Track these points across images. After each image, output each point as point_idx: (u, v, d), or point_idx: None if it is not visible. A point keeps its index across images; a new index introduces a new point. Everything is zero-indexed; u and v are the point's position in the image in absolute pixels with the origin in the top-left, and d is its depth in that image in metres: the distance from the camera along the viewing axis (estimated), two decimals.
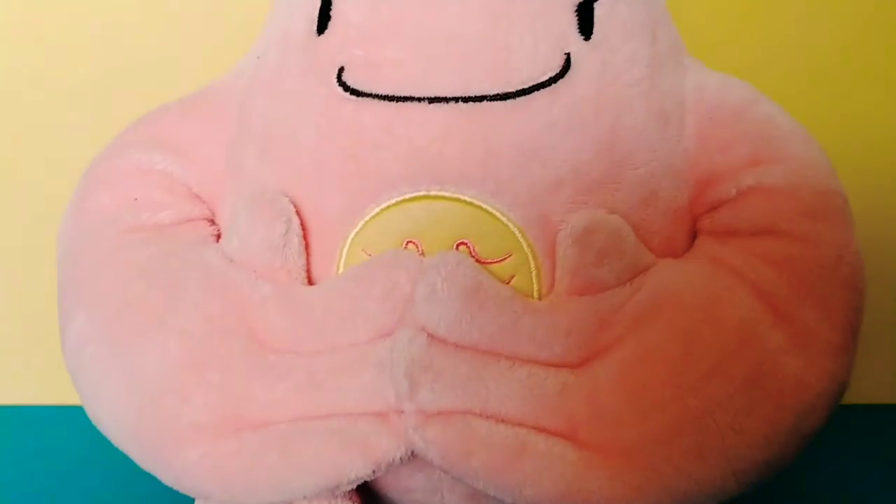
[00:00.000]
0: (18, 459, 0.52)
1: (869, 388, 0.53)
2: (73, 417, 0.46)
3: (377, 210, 0.33)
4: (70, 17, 0.53)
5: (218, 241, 0.37)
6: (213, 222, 0.38)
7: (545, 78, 0.32)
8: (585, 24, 0.33)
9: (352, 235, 0.34)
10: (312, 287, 0.34)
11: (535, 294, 0.33)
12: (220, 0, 0.53)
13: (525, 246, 0.33)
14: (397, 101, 0.32)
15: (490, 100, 0.32)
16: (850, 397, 0.38)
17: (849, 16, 0.53)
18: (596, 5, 0.33)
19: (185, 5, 0.53)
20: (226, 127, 0.37)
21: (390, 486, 0.35)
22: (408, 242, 0.33)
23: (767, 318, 0.31)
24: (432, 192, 0.32)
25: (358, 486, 0.33)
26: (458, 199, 0.32)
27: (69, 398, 0.44)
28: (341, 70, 0.33)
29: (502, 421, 0.30)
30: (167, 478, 0.33)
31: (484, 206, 0.32)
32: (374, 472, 0.30)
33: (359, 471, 0.30)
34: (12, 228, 0.56)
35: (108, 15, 0.53)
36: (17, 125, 0.55)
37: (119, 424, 0.33)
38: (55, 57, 0.54)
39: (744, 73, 0.38)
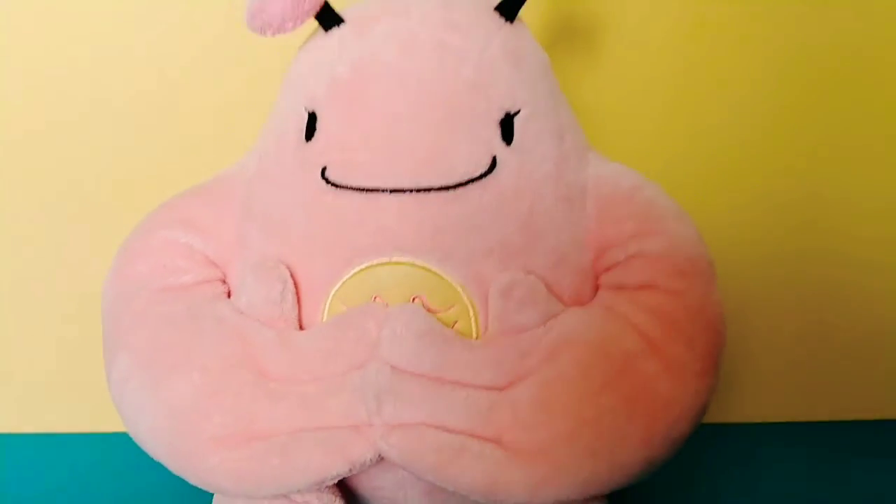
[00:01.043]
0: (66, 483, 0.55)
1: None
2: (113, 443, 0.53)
3: (352, 273, 0.40)
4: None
5: (229, 297, 0.43)
6: (224, 282, 0.44)
7: (477, 174, 0.39)
8: (507, 134, 0.40)
9: (333, 292, 0.40)
10: (303, 332, 0.41)
11: (473, 335, 0.40)
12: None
13: (465, 299, 0.40)
14: (367, 192, 0.39)
15: (436, 190, 0.39)
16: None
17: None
18: (515, 119, 0.40)
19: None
20: (234, 208, 0.44)
21: (364, 486, 0.41)
22: (375, 297, 0.40)
23: (646, 351, 0.39)
24: (394, 259, 0.39)
25: (339, 486, 0.40)
26: (414, 264, 0.39)
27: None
28: (324, 168, 0.40)
29: (447, 430, 0.37)
30: (193, 479, 0.39)
31: (433, 269, 0.39)
32: (350, 470, 0.37)
33: (339, 469, 0.37)
34: (67, 300, 0.61)
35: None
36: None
37: (155, 440, 0.40)
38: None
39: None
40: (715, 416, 0.56)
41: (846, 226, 0.60)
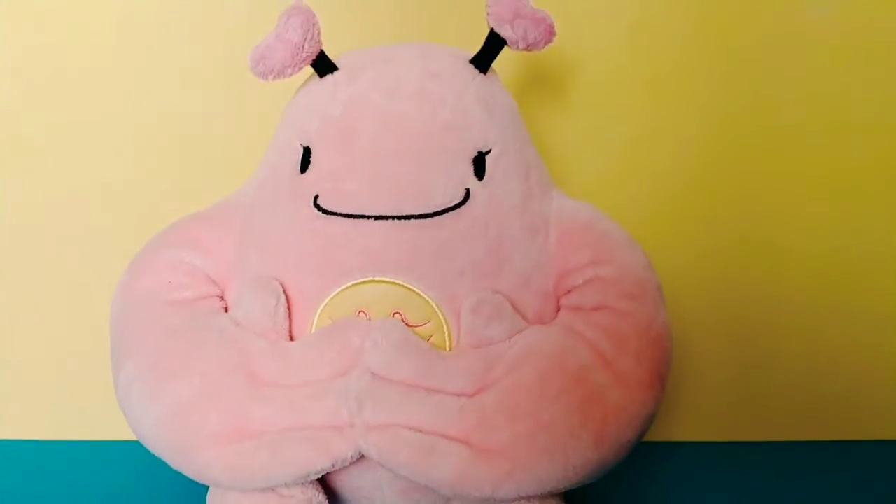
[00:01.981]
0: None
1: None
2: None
3: (339, 290, 0.43)
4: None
5: (226, 312, 0.47)
6: (222, 298, 0.48)
7: (452, 204, 0.43)
8: (479, 170, 0.44)
9: (321, 307, 0.44)
10: (293, 342, 0.44)
11: (447, 347, 0.43)
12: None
13: (440, 315, 0.43)
14: (354, 218, 0.43)
15: (416, 218, 0.42)
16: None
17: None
18: (486, 157, 0.44)
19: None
20: (233, 232, 0.48)
21: (345, 485, 0.44)
22: (359, 312, 0.43)
23: (598, 364, 0.42)
24: (377, 278, 0.43)
25: (322, 484, 0.44)
26: (394, 283, 0.43)
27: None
28: (316, 197, 0.44)
29: (420, 431, 0.40)
30: (191, 473, 0.42)
31: (412, 287, 0.43)
32: (333, 465, 0.41)
33: (323, 464, 0.40)
34: (76, 311, 0.64)
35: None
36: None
37: (157, 438, 0.43)
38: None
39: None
40: (664, 434, 0.62)
41: (794, 250, 0.64)
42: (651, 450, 0.62)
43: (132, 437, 0.46)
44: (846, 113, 0.62)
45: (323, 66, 0.46)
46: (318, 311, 0.44)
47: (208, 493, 0.46)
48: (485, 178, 0.45)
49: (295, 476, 0.41)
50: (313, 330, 0.44)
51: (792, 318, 0.64)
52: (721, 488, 0.57)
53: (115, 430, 0.57)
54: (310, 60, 0.45)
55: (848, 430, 0.65)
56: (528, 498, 0.42)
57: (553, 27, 0.46)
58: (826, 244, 0.64)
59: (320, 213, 0.44)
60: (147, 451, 0.45)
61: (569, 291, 0.46)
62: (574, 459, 0.41)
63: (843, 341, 0.64)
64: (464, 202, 0.44)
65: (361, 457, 0.41)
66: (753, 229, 0.64)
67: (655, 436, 0.62)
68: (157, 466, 0.45)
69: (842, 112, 0.62)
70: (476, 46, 0.47)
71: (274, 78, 0.44)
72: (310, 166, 0.45)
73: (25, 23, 0.61)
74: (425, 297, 0.43)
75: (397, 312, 0.43)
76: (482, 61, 0.46)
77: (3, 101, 0.62)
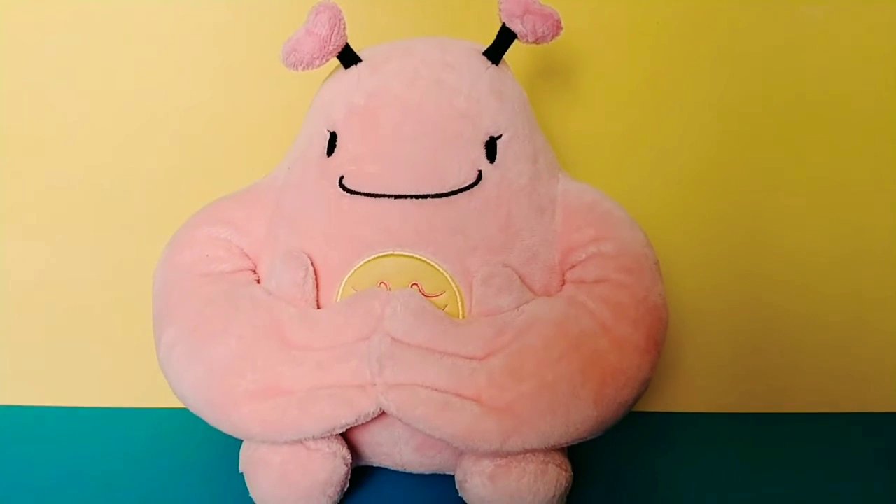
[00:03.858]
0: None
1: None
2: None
3: (362, 263, 0.47)
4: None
5: (258, 283, 0.50)
6: (255, 272, 0.51)
7: (466, 185, 0.46)
8: (491, 154, 0.47)
9: (346, 278, 0.47)
10: (321, 310, 0.47)
11: (460, 315, 0.46)
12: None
13: (454, 286, 0.46)
14: (376, 197, 0.46)
15: (432, 197, 0.45)
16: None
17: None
18: (498, 142, 0.47)
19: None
20: (265, 211, 0.51)
21: (366, 441, 0.48)
22: (380, 283, 0.46)
23: (598, 331, 0.45)
24: (396, 252, 0.46)
25: (345, 440, 0.47)
26: (412, 257, 0.46)
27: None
28: (342, 178, 0.47)
29: (435, 389, 0.43)
30: (227, 427, 0.46)
31: (428, 261, 0.46)
32: (356, 420, 0.44)
33: (347, 419, 0.44)
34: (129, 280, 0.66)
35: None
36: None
37: (196, 395, 0.46)
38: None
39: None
40: (662, 405, 0.64)
41: (794, 242, 0.66)
42: (651, 420, 0.64)
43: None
44: (853, 109, 0.64)
45: (348, 58, 0.49)
46: (343, 282, 0.47)
47: (242, 446, 0.50)
48: (496, 160, 0.48)
49: (322, 430, 0.45)
50: (338, 299, 0.48)
51: (786, 297, 0.66)
52: (719, 457, 0.59)
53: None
54: (336, 53, 0.48)
55: (842, 403, 0.67)
56: (533, 451, 0.45)
57: (560, 22, 0.49)
58: (823, 226, 0.66)
59: (345, 192, 0.47)
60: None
61: (573, 266, 0.49)
62: (575, 416, 0.44)
63: (837, 318, 0.67)
64: (476, 183, 0.47)
65: (382, 413, 0.45)
66: (753, 216, 0.66)
67: (656, 406, 0.66)
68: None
69: (848, 108, 0.64)
70: (489, 40, 0.50)
71: (303, 69, 0.47)
72: (336, 150, 0.48)
73: (75, 26, 0.65)
74: (441, 269, 0.46)
75: (415, 283, 0.47)
76: (494, 53, 0.50)
77: (49, 96, 0.66)
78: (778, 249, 0.66)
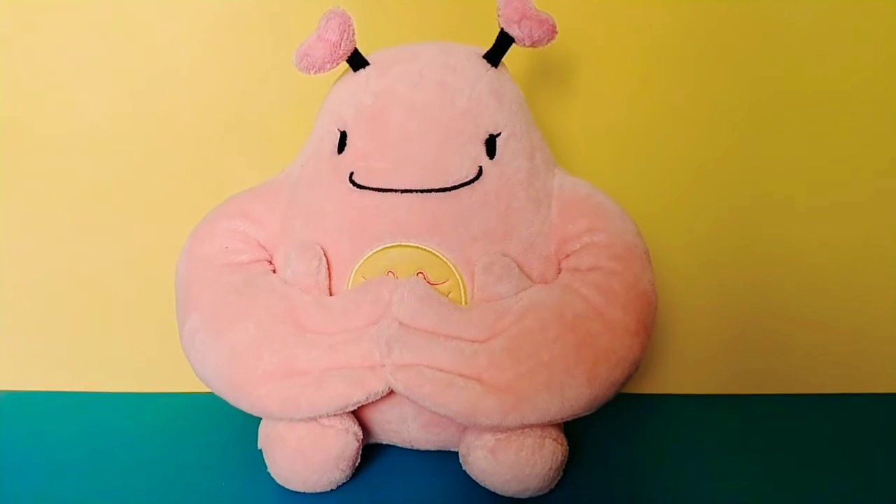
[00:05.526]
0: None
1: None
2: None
3: (371, 253, 0.49)
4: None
5: (274, 273, 0.53)
6: (271, 262, 0.53)
7: (467, 180, 0.48)
8: (490, 150, 0.49)
9: (356, 268, 0.49)
10: (333, 297, 0.49)
11: (462, 302, 0.49)
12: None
13: (457, 274, 0.49)
14: (383, 192, 0.48)
15: (436, 191, 0.48)
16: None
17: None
18: (497, 140, 0.49)
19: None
20: (281, 205, 0.54)
21: (376, 419, 0.50)
22: (388, 271, 0.49)
23: (591, 314, 0.48)
24: (403, 243, 0.48)
25: (357, 417, 0.50)
26: (418, 247, 0.48)
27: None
28: (352, 174, 0.49)
29: (440, 370, 0.45)
30: (246, 406, 0.48)
31: (433, 251, 0.48)
32: (367, 398, 0.46)
33: (358, 398, 0.46)
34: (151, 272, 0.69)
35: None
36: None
37: (217, 377, 0.49)
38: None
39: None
40: (655, 387, 0.67)
41: (778, 229, 0.68)
42: (644, 401, 0.67)
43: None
44: (849, 108, 0.66)
45: (357, 61, 0.52)
46: (353, 271, 0.50)
47: (260, 424, 0.52)
48: (495, 157, 0.50)
49: (335, 408, 0.47)
50: (349, 287, 0.50)
51: (777, 278, 0.68)
52: (708, 437, 0.61)
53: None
54: (346, 57, 0.50)
55: (831, 385, 0.69)
56: (531, 426, 0.48)
57: (555, 27, 0.51)
58: (813, 210, 0.68)
59: (355, 187, 0.50)
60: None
61: (568, 255, 0.51)
62: (569, 394, 0.46)
63: (827, 300, 0.68)
64: (477, 178, 0.49)
65: (391, 392, 0.47)
66: (743, 206, 0.68)
67: (648, 388, 0.68)
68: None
69: (844, 107, 0.66)
70: (488, 44, 0.52)
71: (315, 72, 0.50)
72: (346, 148, 0.51)
73: (99, 30, 0.68)
74: (444, 259, 0.49)
75: (421, 272, 0.49)
76: (494, 56, 0.52)
77: (75, 96, 0.68)
78: (768, 235, 0.68)
